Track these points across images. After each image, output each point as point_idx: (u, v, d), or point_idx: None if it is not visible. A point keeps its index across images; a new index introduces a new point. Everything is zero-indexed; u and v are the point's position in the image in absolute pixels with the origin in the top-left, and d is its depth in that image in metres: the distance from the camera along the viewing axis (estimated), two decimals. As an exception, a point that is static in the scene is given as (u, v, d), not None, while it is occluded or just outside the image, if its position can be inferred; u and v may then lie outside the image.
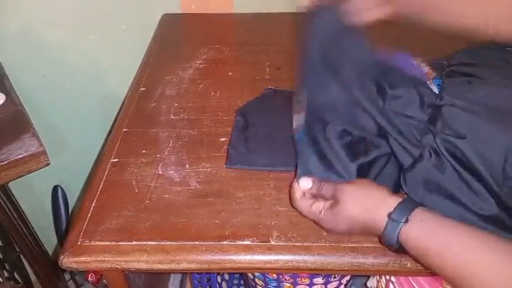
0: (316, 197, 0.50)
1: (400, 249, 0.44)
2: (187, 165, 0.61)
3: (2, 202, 0.94)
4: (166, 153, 0.63)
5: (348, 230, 0.47)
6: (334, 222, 0.47)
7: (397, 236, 0.42)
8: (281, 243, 0.50)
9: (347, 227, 0.47)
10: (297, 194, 0.51)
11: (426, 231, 0.42)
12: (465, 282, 0.39)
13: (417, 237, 0.42)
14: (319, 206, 0.48)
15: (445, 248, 0.40)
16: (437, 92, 0.56)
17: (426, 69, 0.60)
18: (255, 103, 0.72)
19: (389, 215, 0.43)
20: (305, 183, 0.50)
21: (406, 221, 0.42)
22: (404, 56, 0.62)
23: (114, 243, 0.50)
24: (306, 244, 0.50)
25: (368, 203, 0.45)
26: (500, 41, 0.50)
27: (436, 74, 0.59)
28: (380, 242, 0.46)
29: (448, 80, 0.55)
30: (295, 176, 0.53)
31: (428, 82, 0.58)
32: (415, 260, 0.45)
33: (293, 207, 0.52)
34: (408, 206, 0.43)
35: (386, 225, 0.43)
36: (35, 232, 1.20)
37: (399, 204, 0.43)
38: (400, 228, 0.42)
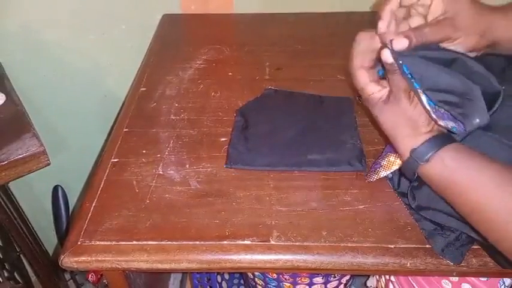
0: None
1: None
2: (187, 165, 0.61)
3: (2, 202, 0.94)
4: (166, 153, 0.63)
5: (379, 124, 0.47)
6: (373, 111, 0.47)
7: (416, 172, 0.43)
8: (281, 243, 0.50)
9: (380, 124, 0.47)
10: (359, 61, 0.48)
11: (447, 171, 0.41)
12: (484, 222, 0.40)
13: (437, 175, 0.42)
14: (376, 89, 0.46)
15: (466, 187, 0.40)
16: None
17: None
18: (255, 103, 0.72)
19: (412, 150, 0.43)
20: (388, 56, 0.44)
21: (427, 160, 0.42)
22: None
23: (114, 243, 0.50)
24: (305, 244, 0.50)
25: (404, 130, 0.44)
26: None
27: None
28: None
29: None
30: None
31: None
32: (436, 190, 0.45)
33: (349, 69, 0.50)
34: (437, 142, 0.42)
35: (407, 159, 0.44)
36: (35, 232, 1.20)
37: (426, 141, 0.43)
38: (418, 167, 0.43)
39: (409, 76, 0.44)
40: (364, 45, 0.48)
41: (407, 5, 0.47)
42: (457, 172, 0.42)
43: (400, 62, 0.44)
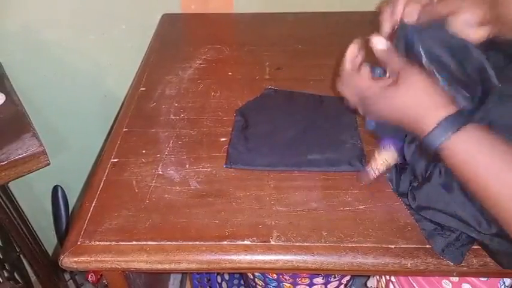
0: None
1: (435, 155, 0.43)
2: (187, 165, 0.61)
3: (2, 202, 0.94)
4: (166, 153, 0.63)
5: (391, 115, 0.45)
6: (384, 102, 0.45)
7: (439, 145, 0.41)
8: (281, 243, 0.50)
9: (393, 113, 0.45)
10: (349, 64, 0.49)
11: (467, 150, 0.40)
12: (501, 206, 0.39)
13: (456, 153, 0.41)
14: (375, 80, 0.46)
15: (483, 171, 0.40)
16: None
17: None
18: (255, 103, 0.72)
19: (439, 122, 0.41)
20: (380, 42, 0.46)
21: (455, 132, 0.40)
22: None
23: (114, 243, 0.50)
24: (306, 244, 0.50)
25: (427, 100, 0.43)
26: None
27: None
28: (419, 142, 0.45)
29: None
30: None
31: None
32: (452, 169, 0.43)
33: (342, 79, 0.50)
34: (460, 120, 0.41)
35: (433, 130, 0.41)
36: (35, 232, 1.20)
37: (452, 114, 0.41)
38: (443, 140, 0.41)
39: (422, 54, 0.44)
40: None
41: None
42: (480, 150, 0.41)
43: (414, 40, 0.45)
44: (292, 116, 0.68)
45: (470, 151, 0.41)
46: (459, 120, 0.41)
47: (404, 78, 0.44)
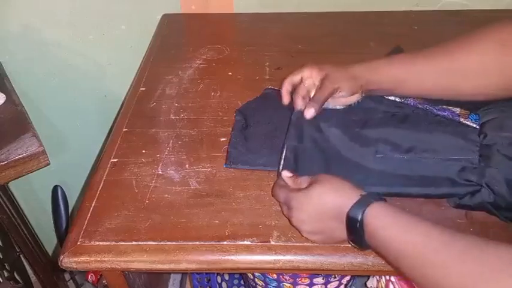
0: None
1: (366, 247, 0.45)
2: (187, 165, 0.61)
3: (2, 202, 0.94)
4: (166, 153, 0.63)
5: (316, 218, 0.47)
6: (306, 206, 0.47)
7: (361, 218, 0.44)
8: (281, 243, 0.50)
9: (317, 214, 0.47)
10: (277, 183, 0.54)
11: (380, 229, 0.42)
12: (420, 281, 0.39)
13: (372, 233, 0.43)
14: (295, 189, 0.50)
15: (399, 248, 0.41)
16: (475, 127, 0.56)
17: (457, 109, 0.60)
18: (255, 102, 0.71)
19: (356, 201, 0.44)
20: (286, 173, 0.53)
21: (369, 205, 0.43)
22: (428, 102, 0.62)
23: (114, 243, 0.50)
24: (306, 244, 0.50)
25: (341, 189, 0.47)
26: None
27: (470, 112, 0.59)
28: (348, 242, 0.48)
29: (484, 113, 0.55)
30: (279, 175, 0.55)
31: (462, 119, 0.58)
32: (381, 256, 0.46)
33: (273, 195, 0.54)
34: (366, 200, 0.44)
35: (351, 207, 0.44)
36: (35, 232, 1.20)
37: (363, 195, 0.45)
38: (361, 213, 0.43)
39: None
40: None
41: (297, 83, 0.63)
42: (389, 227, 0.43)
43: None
44: (290, 116, 0.67)
45: (388, 219, 0.43)
46: (370, 197, 0.45)
47: (317, 180, 0.49)
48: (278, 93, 0.74)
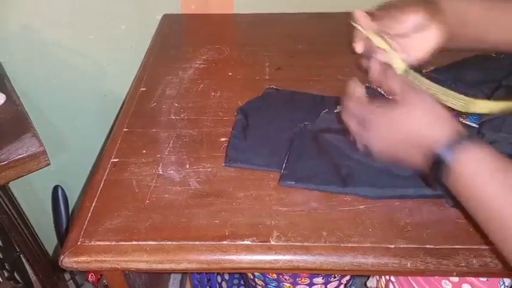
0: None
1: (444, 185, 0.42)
2: (187, 165, 0.61)
3: (2, 202, 0.94)
4: (166, 153, 0.63)
5: (395, 137, 0.43)
6: (388, 124, 0.42)
7: (450, 159, 0.39)
8: (281, 243, 0.50)
9: (398, 134, 0.42)
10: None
11: (463, 177, 0.39)
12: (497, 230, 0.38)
13: (454, 179, 0.40)
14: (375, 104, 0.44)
15: (480, 192, 0.38)
16: (475, 126, 0.56)
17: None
18: (256, 102, 0.72)
19: (448, 138, 0.40)
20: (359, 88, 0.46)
21: (463, 147, 0.39)
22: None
23: (114, 243, 0.50)
24: (306, 244, 0.50)
25: (433, 118, 0.41)
26: None
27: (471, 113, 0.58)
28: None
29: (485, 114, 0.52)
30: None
31: (462, 119, 0.58)
32: (457, 189, 0.41)
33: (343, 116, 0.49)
34: (467, 137, 0.40)
35: (442, 145, 0.40)
36: (35, 232, 1.20)
37: (458, 131, 0.40)
38: (452, 155, 0.39)
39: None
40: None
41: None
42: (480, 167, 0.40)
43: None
44: (292, 116, 0.68)
45: (477, 167, 0.39)
46: (466, 137, 0.40)
47: (405, 98, 0.43)
48: (279, 93, 0.74)
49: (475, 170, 0.39)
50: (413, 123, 0.42)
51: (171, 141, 0.65)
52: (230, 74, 0.81)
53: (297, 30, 0.94)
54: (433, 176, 0.42)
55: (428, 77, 0.49)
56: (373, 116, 0.45)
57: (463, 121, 0.58)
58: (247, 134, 0.64)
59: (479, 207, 0.39)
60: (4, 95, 0.84)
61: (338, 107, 0.63)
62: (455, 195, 0.42)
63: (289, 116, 0.68)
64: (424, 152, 0.41)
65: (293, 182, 0.56)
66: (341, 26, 0.97)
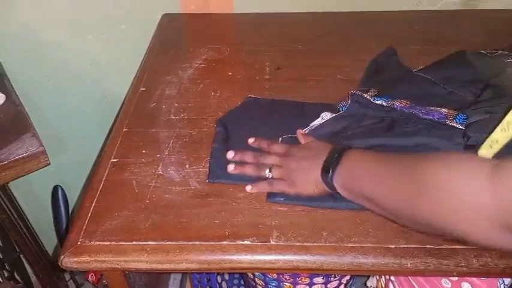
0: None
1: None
2: (187, 165, 0.61)
3: (2, 202, 0.94)
4: (166, 153, 0.63)
5: (310, 149, 0.57)
6: (299, 148, 0.58)
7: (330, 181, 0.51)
8: (281, 243, 0.50)
9: (311, 147, 0.57)
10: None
11: (356, 162, 0.51)
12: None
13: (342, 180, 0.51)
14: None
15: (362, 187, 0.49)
16: (461, 128, 0.56)
17: (445, 110, 0.60)
18: (236, 112, 0.70)
19: (323, 165, 0.52)
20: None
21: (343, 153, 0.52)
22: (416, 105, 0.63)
23: (114, 243, 0.50)
24: (306, 244, 0.50)
25: (322, 146, 0.56)
26: None
27: (458, 112, 0.59)
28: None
29: (471, 113, 0.57)
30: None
31: (448, 121, 0.58)
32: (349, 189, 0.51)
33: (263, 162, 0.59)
34: (337, 150, 0.52)
35: (328, 156, 0.53)
36: (35, 232, 1.20)
37: (331, 151, 0.53)
38: (335, 162, 0.51)
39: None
40: None
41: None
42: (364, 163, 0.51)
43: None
44: (273, 125, 0.66)
45: (360, 160, 0.51)
46: (346, 147, 0.53)
47: (308, 142, 0.60)
48: (259, 102, 0.72)
49: (358, 163, 0.51)
50: (312, 147, 0.58)
51: (171, 141, 0.65)
52: (230, 73, 0.81)
53: (297, 30, 0.94)
54: (325, 181, 0.52)
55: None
56: (292, 148, 0.59)
57: (449, 123, 0.58)
58: (228, 147, 0.62)
59: (366, 198, 0.49)
60: (4, 95, 0.84)
61: (323, 114, 0.65)
62: (347, 196, 0.51)
63: (268, 126, 0.66)
64: (319, 162, 0.53)
65: (282, 199, 0.55)
66: (341, 26, 0.98)
